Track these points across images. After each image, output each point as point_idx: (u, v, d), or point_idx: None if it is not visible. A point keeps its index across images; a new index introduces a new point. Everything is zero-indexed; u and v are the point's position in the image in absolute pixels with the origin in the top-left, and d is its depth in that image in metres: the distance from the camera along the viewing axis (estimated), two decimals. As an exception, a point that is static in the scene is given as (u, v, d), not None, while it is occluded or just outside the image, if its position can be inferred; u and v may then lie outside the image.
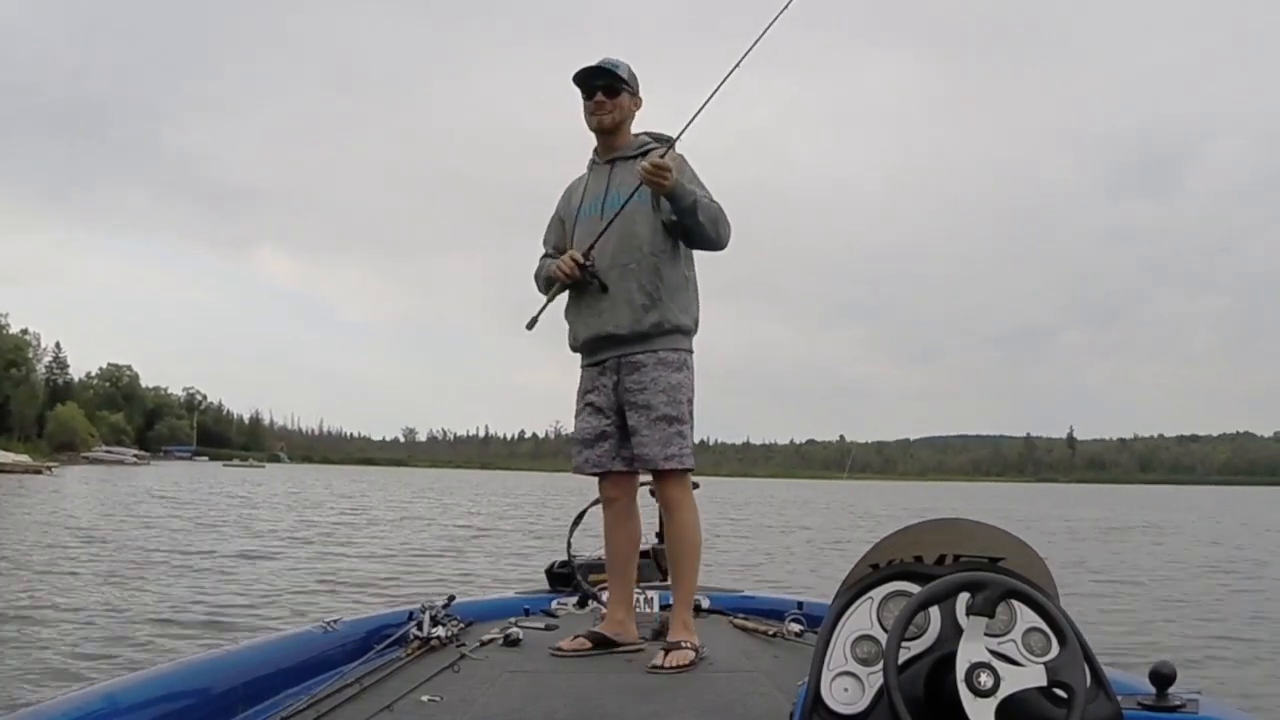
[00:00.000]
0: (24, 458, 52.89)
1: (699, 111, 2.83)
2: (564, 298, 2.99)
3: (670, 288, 2.87)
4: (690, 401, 2.90)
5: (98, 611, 7.04)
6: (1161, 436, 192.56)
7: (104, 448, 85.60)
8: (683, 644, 2.68)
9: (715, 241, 2.89)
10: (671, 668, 2.58)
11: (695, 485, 3.26)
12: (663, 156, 2.78)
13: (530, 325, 2.91)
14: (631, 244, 2.87)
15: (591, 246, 2.88)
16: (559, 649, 2.80)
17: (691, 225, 2.84)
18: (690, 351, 2.94)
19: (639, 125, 3.06)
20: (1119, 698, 1.40)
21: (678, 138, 2.89)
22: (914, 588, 1.45)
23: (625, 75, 2.94)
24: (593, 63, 2.92)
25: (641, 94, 3.03)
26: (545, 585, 3.92)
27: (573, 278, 2.88)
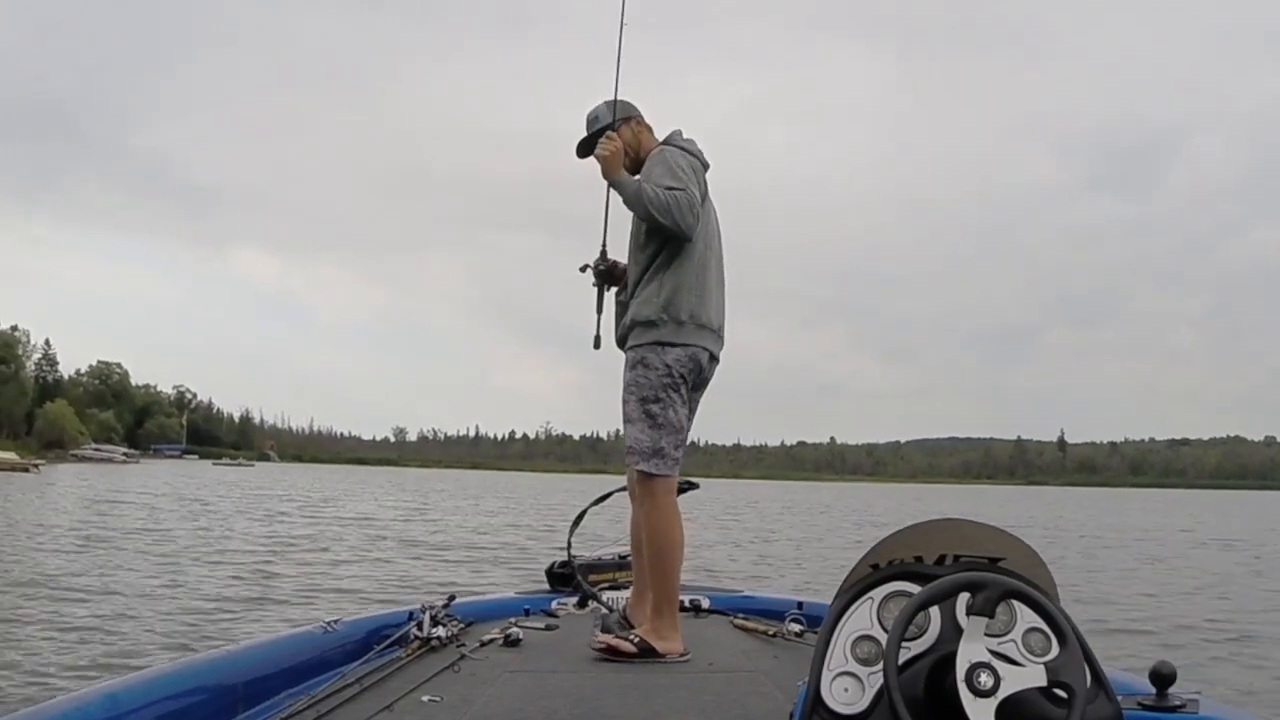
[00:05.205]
0: (11, 455, 52.58)
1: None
2: None
3: (643, 283, 2.88)
4: (643, 400, 2.80)
5: None
6: (1152, 440, 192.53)
7: (93, 446, 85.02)
8: (629, 636, 2.73)
9: (672, 230, 2.79)
10: (594, 646, 2.73)
11: (694, 485, 3.28)
12: (604, 145, 2.91)
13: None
14: (628, 248, 2.99)
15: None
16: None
17: (640, 216, 2.87)
18: (648, 345, 2.82)
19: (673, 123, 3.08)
20: (1119, 698, 1.41)
21: (613, 126, 2.98)
22: (914, 588, 1.46)
23: (602, 119, 3.02)
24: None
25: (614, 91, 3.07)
26: (545, 585, 3.92)
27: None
